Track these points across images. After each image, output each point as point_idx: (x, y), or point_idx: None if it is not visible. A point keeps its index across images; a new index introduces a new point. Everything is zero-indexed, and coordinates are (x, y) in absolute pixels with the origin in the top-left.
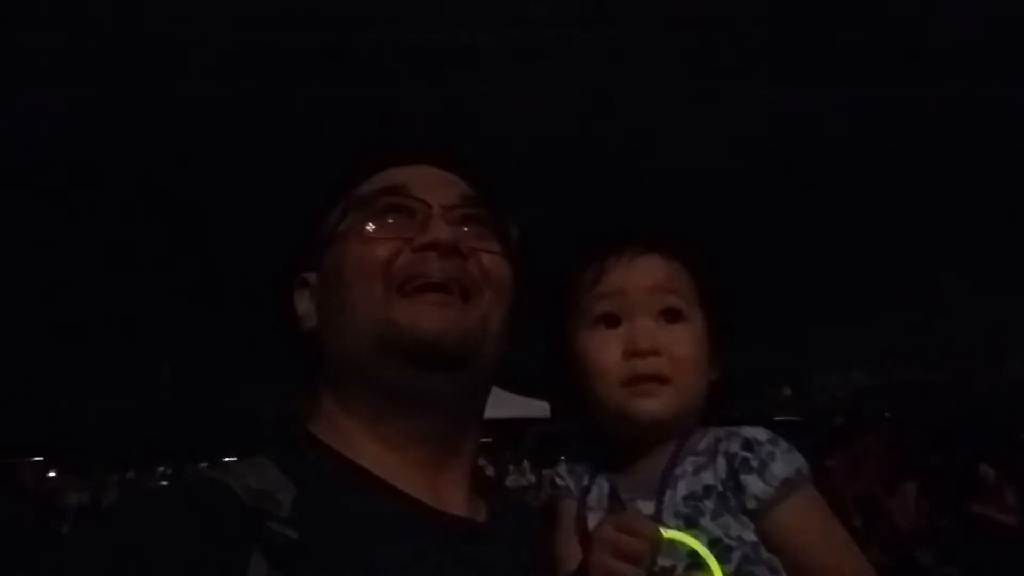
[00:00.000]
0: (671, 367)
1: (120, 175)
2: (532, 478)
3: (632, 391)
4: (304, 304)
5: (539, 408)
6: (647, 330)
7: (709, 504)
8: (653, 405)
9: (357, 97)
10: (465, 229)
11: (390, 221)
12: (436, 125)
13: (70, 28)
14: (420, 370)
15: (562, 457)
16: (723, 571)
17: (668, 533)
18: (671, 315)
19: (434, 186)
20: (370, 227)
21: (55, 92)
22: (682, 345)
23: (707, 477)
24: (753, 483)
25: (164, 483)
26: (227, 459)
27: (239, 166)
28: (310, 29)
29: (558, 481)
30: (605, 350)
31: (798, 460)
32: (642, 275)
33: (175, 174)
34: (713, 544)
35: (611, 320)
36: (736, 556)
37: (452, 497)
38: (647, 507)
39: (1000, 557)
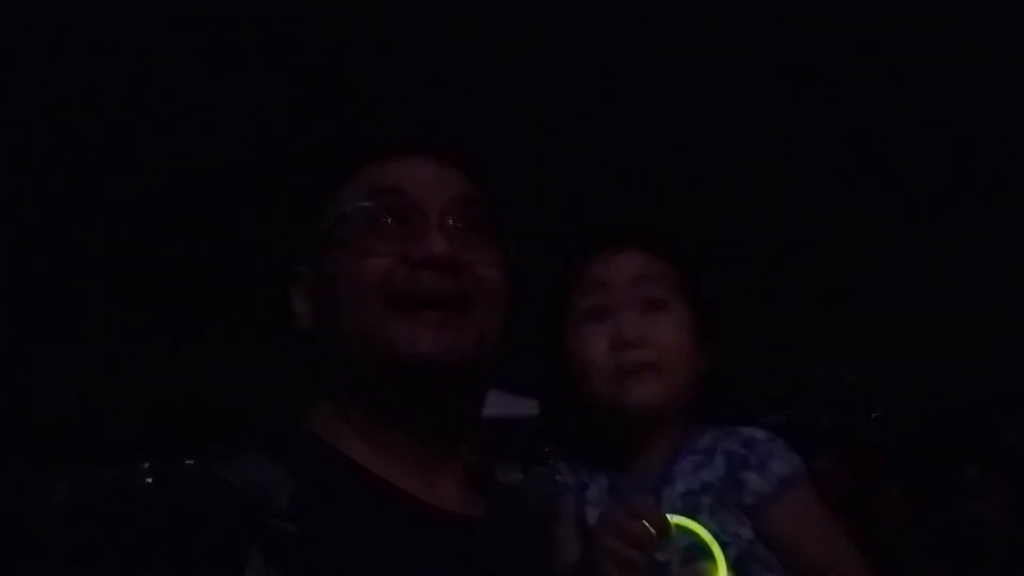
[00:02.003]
0: (658, 356)
1: (117, 173)
2: (519, 476)
3: (621, 382)
4: (300, 302)
5: (527, 406)
6: (632, 321)
7: (707, 501)
8: (642, 393)
9: (351, 73)
10: (462, 235)
11: (385, 230)
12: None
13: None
14: (416, 389)
15: (546, 450)
16: (726, 561)
17: (676, 520)
18: (655, 305)
19: (430, 184)
20: (365, 239)
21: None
22: (667, 334)
23: (706, 474)
24: (752, 480)
25: (148, 480)
26: (221, 450)
27: (233, 154)
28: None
29: (557, 477)
30: (592, 344)
31: (795, 459)
32: (623, 267)
33: (167, 166)
34: None
35: (596, 314)
36: (733, 552)
37: (448, 493)
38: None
39: (986, 557)
